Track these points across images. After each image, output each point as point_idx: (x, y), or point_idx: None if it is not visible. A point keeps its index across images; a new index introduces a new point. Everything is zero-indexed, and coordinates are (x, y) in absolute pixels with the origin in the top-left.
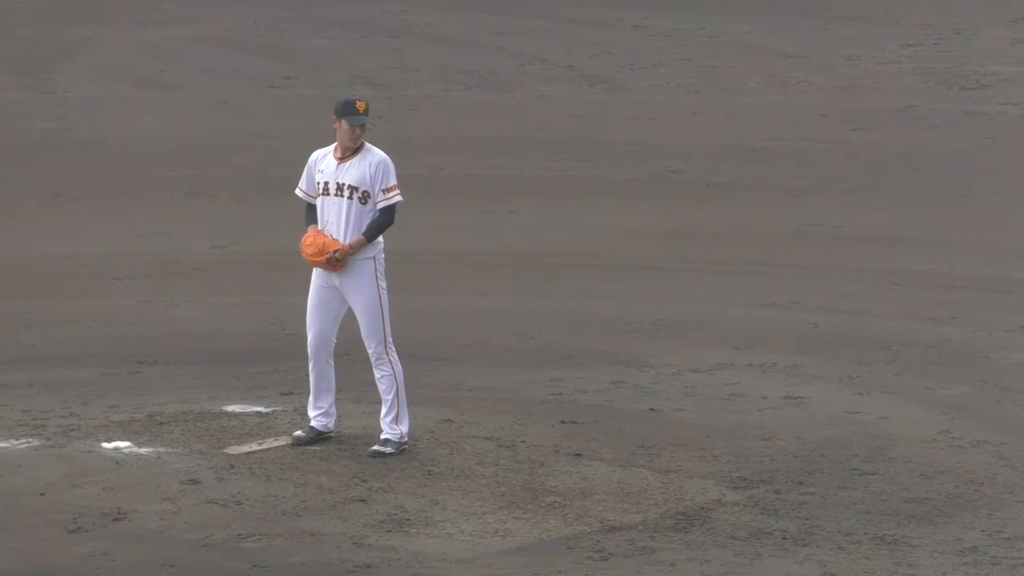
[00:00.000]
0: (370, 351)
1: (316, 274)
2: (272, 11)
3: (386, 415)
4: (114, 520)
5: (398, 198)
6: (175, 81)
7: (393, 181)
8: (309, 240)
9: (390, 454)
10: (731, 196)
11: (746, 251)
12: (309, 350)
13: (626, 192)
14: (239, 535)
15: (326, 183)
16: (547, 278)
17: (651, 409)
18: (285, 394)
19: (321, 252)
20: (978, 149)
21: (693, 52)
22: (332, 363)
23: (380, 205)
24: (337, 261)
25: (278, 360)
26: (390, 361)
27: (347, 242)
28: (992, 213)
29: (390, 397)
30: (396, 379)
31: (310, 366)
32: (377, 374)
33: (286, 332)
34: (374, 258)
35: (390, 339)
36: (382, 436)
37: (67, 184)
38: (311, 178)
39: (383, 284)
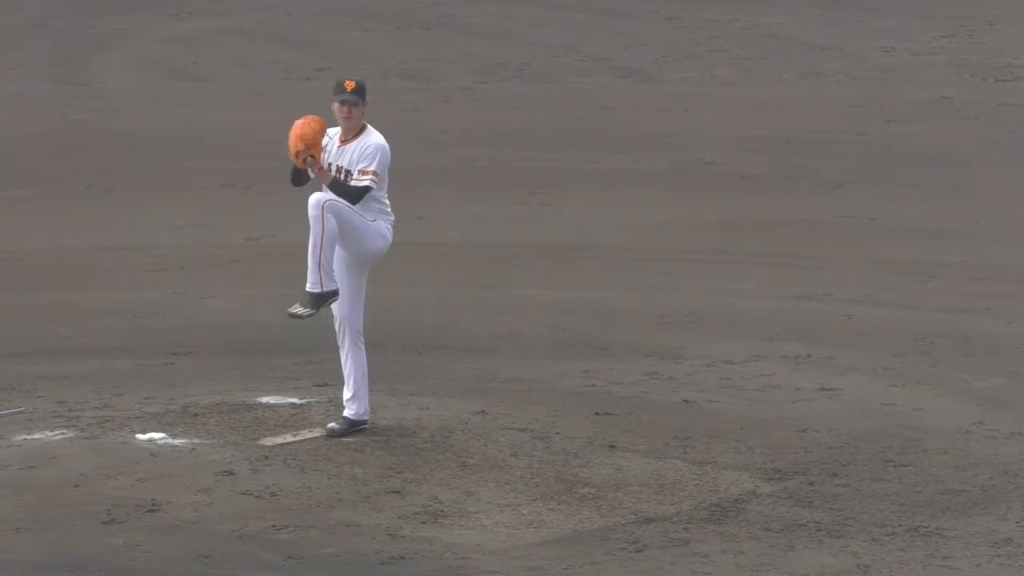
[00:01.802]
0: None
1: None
2: (306, 3)
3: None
4: (148, 511)
5: (367, 183)
6: (209, 73)
7: (373, 167)
8: (314, 126)
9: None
10: (765, 188)
11: (780, 243)
12: (338, 324)
13: (660, 184)
14: (274, 526)
15: (329, 164)
16: (581, 270)
17: (685, 401)
18: (319, 385)
19: (310, 144)
20: (1013, 141)
21: (727, 44)
22: (361, 347)
23: (351, 182)
24: (304, 162)
25: (312, 351)
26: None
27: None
28: None
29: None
30: (313, 231)
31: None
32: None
33: (320, 323)
34: (376, 220)
35: (331, 209)
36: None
37: (101, 176)
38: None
39: (370, 226)
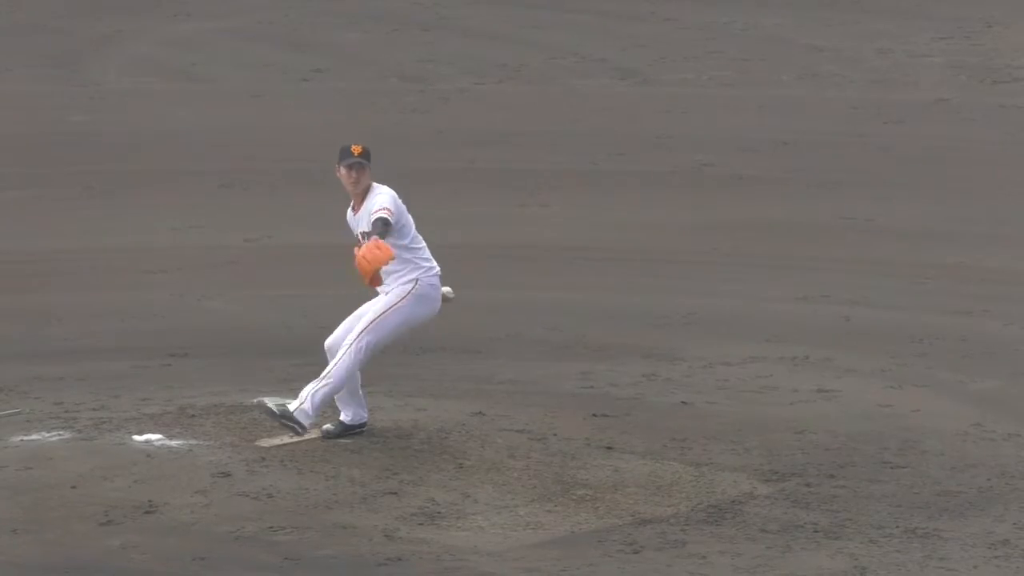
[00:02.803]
0: (349, 335)
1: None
2: (304, 4)
3: (313, 385)
4: (145, 513)
5: (383, 215)
6: (207, 74)
7: (380, 204)
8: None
9: (272, 412)
10: (762, 189)
11: (777, 244)
12: (326, 345)
13: (658, 185)
14: (270, 528)
15: (355, 234)
16: (579, 271)
17: (683, 402)
18: None
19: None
20: (1010, 142)
21: (725, 45)
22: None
23: (371, 221)
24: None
25: (309, 353)
26: (346, 353)
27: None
28: None
29: (325, 376)
30: (341, 366)
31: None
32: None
33: (318, 325)
34: (416, 280)
35: (365, 342)
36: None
37: (99, 177)
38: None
39: (407, 306)
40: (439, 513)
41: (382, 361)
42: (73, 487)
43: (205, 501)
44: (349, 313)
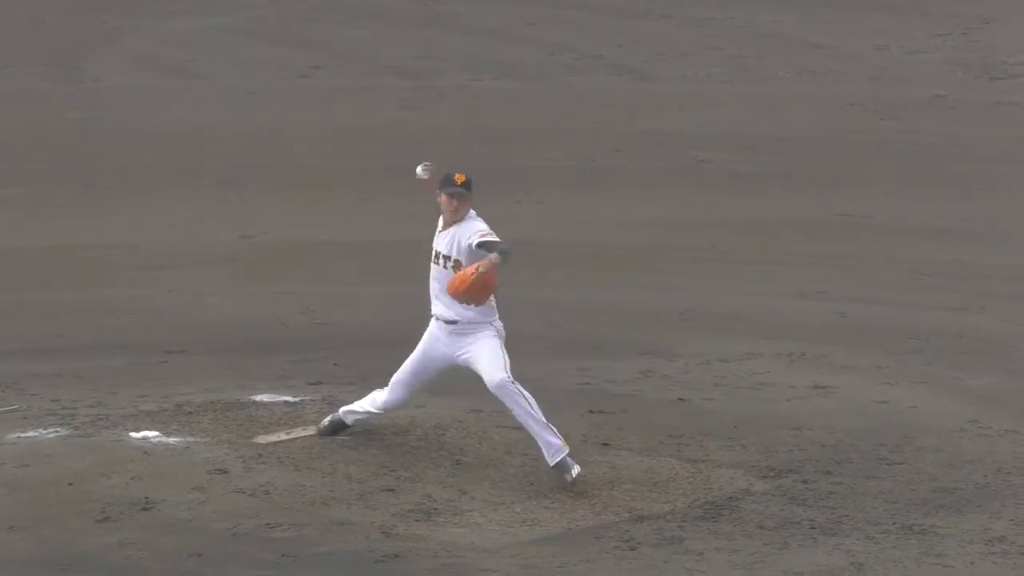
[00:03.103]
0: (494, 389)
1: (432, 325)
2: (301, 1)
3: (542, 443)
4: (142, 509)
5: (493, 238)
6: (204, 71)
7: (478, 228)
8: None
9: (567, 466)
10: (760, 186)
11: (775, 241)
12: (392, 381)
13: (655, 182)
14: (267, 524)
15: (436, 253)
16: (575, 268)
17: (679, 399)
18: (313, 384)
19: (466, 285)
20: (1007, 139)
21: (722, 42)
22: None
23: (477, 240)
24: (481, 276)
25: (306, 350)
26: (512, 401)
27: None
28: (1021, 203)
29: (530, 429)
30: (524, 408)
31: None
32: (510, 407)
33: (314, 322)
34: (492, 323)
35: (511, 377)
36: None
37: (97, 174)
38: None
39: (501, 342)
40: (436, 510)
41: (381, 357)
42: (70, 484)
43: (202, 498)
44: (348, 310)
